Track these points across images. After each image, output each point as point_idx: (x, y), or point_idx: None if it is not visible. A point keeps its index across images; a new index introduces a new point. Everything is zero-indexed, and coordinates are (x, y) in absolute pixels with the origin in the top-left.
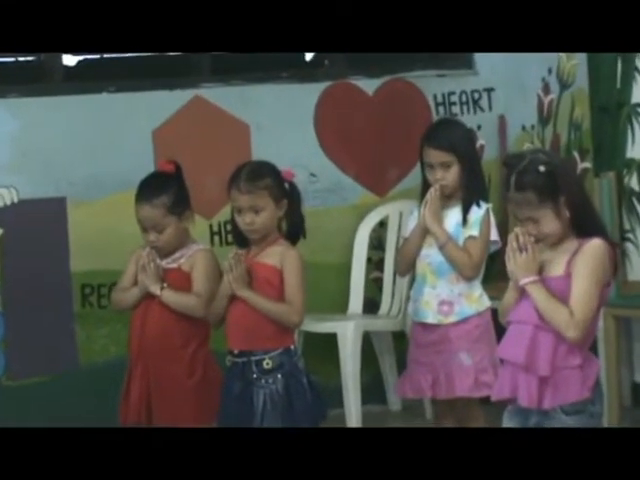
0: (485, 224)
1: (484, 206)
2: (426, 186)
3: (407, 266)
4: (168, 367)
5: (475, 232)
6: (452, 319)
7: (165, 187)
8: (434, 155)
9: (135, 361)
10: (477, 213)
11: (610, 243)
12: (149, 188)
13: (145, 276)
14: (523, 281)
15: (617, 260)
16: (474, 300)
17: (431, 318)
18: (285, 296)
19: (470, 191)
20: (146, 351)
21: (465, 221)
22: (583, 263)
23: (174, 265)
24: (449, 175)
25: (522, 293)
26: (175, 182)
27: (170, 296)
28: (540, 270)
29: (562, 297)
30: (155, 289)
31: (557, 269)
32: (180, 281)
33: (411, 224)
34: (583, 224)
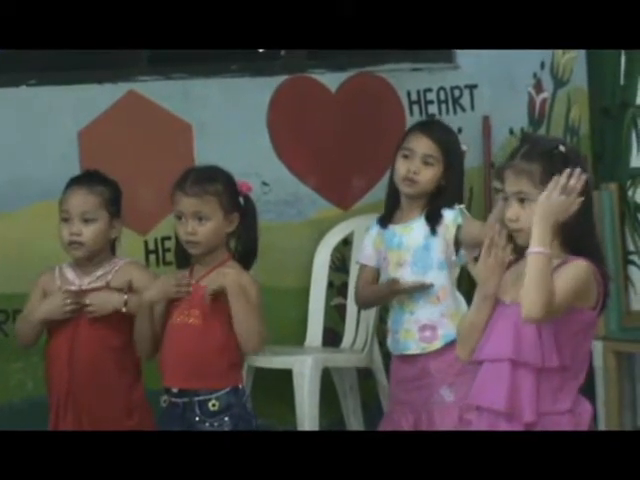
0: (465, 217)
1: (456, 207)
2: (391, 192)
3: (368, 306)
4: (104, 406)
5: (460, 222)
6: (437, 345)
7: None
8: (423, 143)
9: (64, 401)
10: (451, 213)
11: (601, 270)
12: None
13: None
14: (536, 249)
15: (607, 290)
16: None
17: (414, 348)
18: (236, 328)
19: (449, 199)
20: (78, 388)
21: (436, 226)
22: (561, 279)
23: (100, 284)
24: (426, 173)
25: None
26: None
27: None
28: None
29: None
30: (119, 303)
31: None
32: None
33: (368, 244)
34: (576, 239)
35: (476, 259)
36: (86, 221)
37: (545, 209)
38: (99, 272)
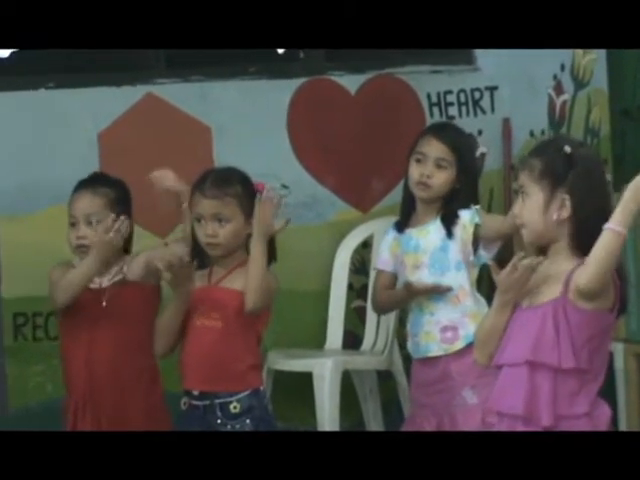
0: (482, 214)
1: (472, 207)
2: (407, 196)
3: (385, 311)
4: (123, 407)
5: (477, 221)
6: (459, 345)
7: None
8: (435, 147)
9: (82, 402)
10: (467, 213)
11: (618, 271)
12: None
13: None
14: (616, 227)
15: (625, 292)
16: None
17: (435, 350)
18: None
19: (464, 199)
20: (96, 389)
21: (453, 227)
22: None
23: (118, 278)
24: (440, 176)
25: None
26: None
27: None
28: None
29: (557, 326)
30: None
31: (551, 291)
32: (132, 292)
33: (384, 249)
34: (588, 245)
35: (500, 264)
36: (91, 224)
37: (637, 191)
38: (114, 269)
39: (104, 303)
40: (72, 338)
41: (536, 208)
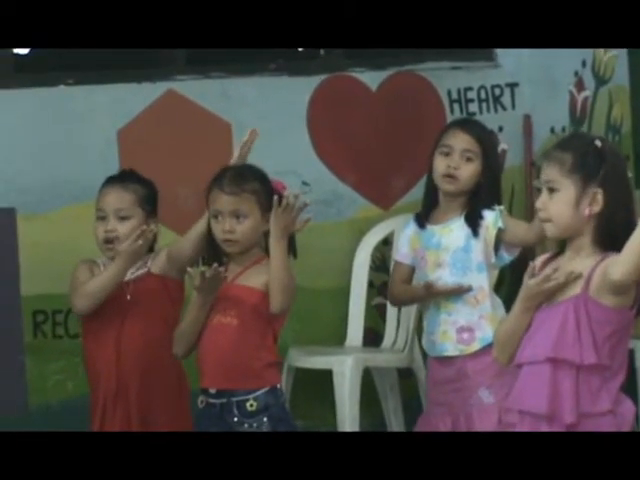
0: (506, 217)
1: (496, 208)
2: (430, 191)
3: (401, 304)
4: (154, 403)
5: (500, 225)
6: (475, 347)
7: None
8: (461, 139)
9: (112, 400)
10: (491, 215)
11: None
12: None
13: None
14: None
15: None
16: (498, 322)
17: (451, 350)
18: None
19: (488, 197)
20: (127, 387)
21: (477, 228)
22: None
23: (142, 271)
24: (467, 169)
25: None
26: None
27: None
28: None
29: (578, 323)
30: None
31: (572, 288)
32: (155, 285)
33: (404, 243)
34: (614, 240)
35: (521, 264)
36: (121, 219)
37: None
38: (138, 263)
39: (128, 297)
40: (97, 334)
41: (567, 202)
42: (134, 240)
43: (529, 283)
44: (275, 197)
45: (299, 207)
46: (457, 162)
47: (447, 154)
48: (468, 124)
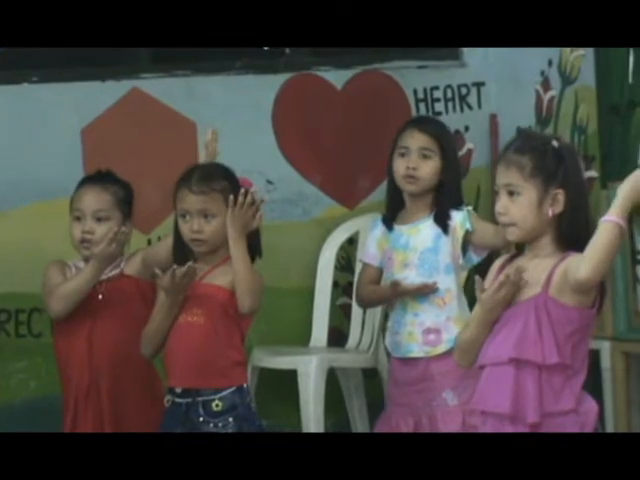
0: (475, 219)
1: (463, 208)
2: (393, 193)
3: (368, 305)
4: (126, 402)
5: (468, 226)
6: (441, 349)
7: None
8: (417, 138)
9: (83, 401)
10: (459, 215)
11: None
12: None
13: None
14: (616, 219)
15: (604, 288)
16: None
17: (417, 351)
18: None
19: (452, 194)
20: (99, 385)
21: (446, 227)
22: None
23: (115, 272)
24: (426, 167)
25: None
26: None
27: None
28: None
29: (539, 323)
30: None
31: (532, 288)
32: (128, 286)
33: (371, 244)
34: (575, 239)
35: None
36: (99, 220)
37: (636, 185)
38: (111, 265)
39: (100, 296)
40: (69, 333)
41: (529, 206)
42: (108, 244)
43: (482, 297)
44: (230, 197)
45: (255, 204)
46: (415, 162)
47: (405, 155)
48: (423, 123)
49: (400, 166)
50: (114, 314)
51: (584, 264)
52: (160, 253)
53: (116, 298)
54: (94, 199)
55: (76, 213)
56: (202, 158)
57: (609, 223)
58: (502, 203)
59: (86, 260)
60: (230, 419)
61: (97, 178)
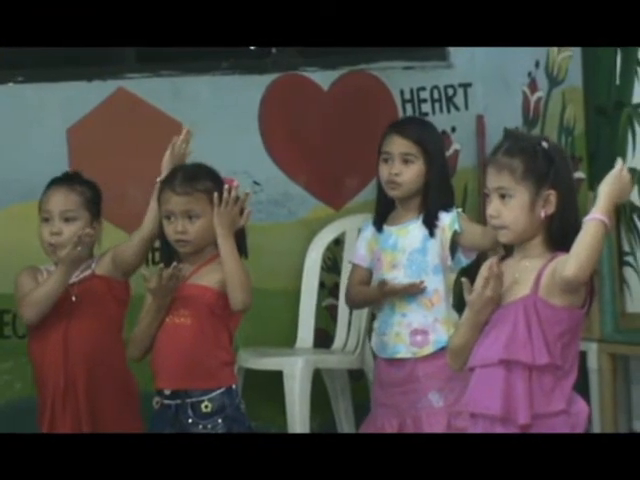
0: (464, 220)
1: (453, 210)
2: (382, 195)
3: (358, 307)
4: (102, 403)
5: (456, 227)
6: (428, 350)
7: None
8: (399, 144)
9: (60, 401)
10: (447, 217)
11: None
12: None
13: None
14: (600, 217)
15: (594, 288)
16: (452, 325)
17: (404, 352)
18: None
19: (439, 195)
20: (75, 386)
21: (433, 228)
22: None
23: (87, 273)
24: (408, 172)
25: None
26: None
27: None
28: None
29: (528, 323)
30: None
31: (521, 289)
32: (100, 286)
33: (361, 245)
34: (564, 239)
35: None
36: (67, 220)
37: (616, 182)
38: (82, 266)
39: (73, 298)
40: (43, 336)
41: (522, 208)
42: (73, 247)
43: (470, 299)
44: (215, 194)
45: (241, 200)
46: (398, 168)
47: (388, 160)
48: (404, 127)
49: (384, 172)
50: (88, 315)
51: (570, 262)
52: (127, 251)
53: (89, 299)
54: (61, 200)
55: (44, 214)
56: (166, 159)
57: (593, 221)
58: (494, 206)
59: (56, 264)
60: (219, 420)
61: (64, 179)
